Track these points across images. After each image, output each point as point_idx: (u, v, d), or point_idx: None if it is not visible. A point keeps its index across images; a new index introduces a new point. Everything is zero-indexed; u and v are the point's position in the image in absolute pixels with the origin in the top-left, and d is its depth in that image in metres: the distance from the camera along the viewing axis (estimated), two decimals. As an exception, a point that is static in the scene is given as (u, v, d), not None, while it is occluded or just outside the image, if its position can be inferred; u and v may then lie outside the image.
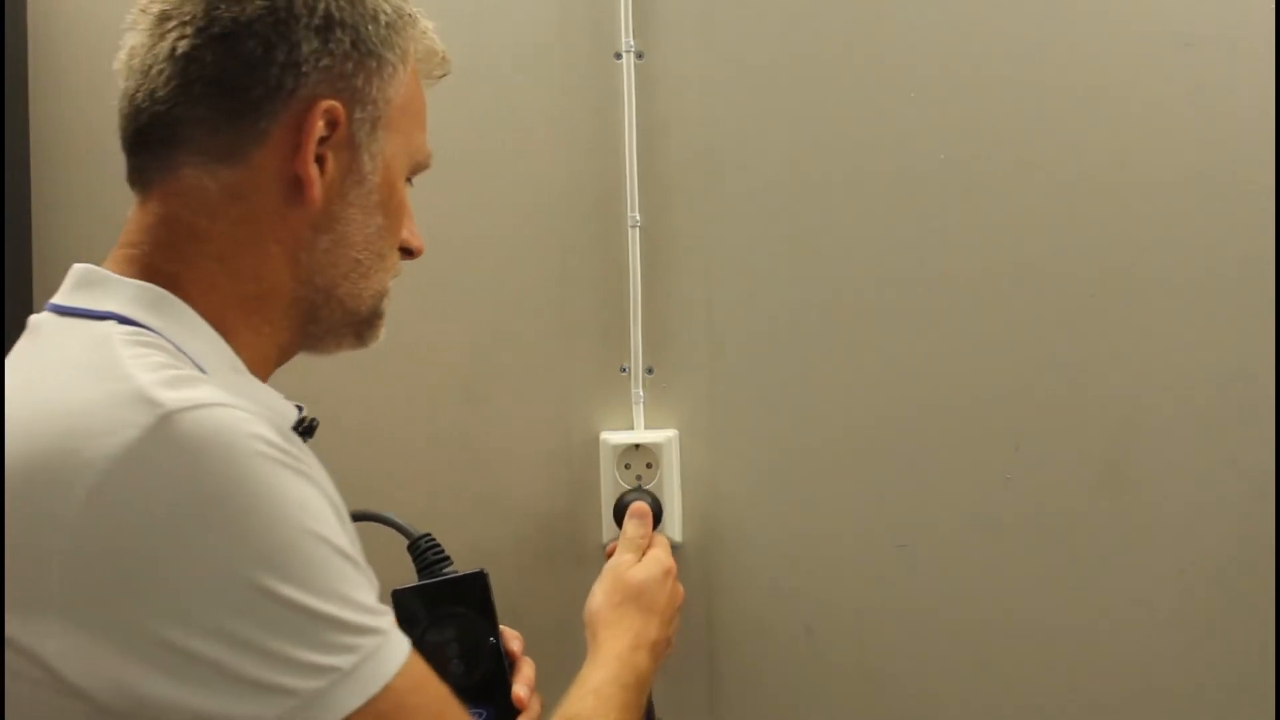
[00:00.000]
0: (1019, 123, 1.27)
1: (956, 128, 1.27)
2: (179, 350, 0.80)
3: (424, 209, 1.34)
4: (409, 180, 0.93)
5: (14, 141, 1.34)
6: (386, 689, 0.73)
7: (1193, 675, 1.24)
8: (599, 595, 1.13)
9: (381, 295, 0.91)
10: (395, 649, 0.75)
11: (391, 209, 0.90)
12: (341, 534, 0.75)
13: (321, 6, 0.84)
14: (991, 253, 1.27)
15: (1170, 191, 1.25)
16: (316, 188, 0.84)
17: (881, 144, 1.29)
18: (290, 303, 0.87)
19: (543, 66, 1.33)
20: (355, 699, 0.71)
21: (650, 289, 1.31)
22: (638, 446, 1.28)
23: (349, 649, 0.72)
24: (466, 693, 0.96)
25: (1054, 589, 1.26)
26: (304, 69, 0.83)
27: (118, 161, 1.38)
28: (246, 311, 0.85)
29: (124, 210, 1.37)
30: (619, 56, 1.31)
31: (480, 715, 1.00)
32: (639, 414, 1.30)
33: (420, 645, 0.92)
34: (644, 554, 1.19)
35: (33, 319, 0.83)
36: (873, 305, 1.29)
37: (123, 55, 0.85)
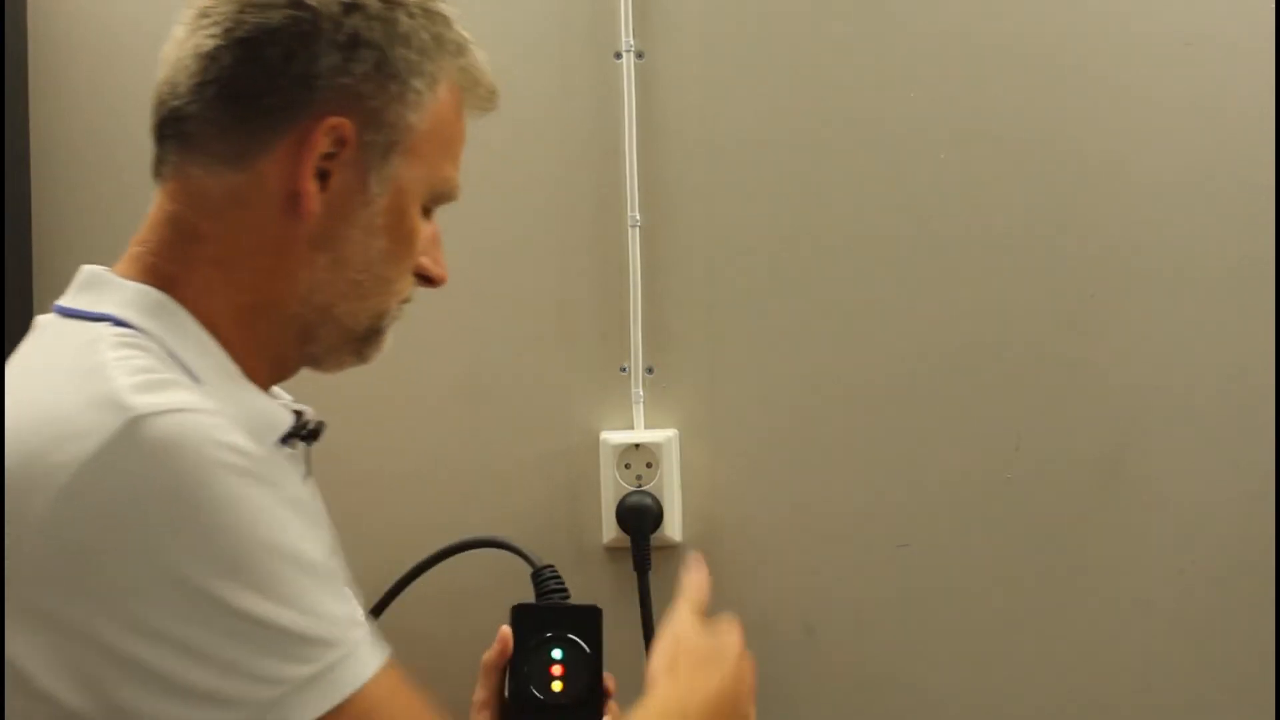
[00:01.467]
0: (1019, 122, 1.27)
1: (956, 127, 1.27)
2: (170, 355, 0.80)
3: (424, 209, 1.34)
4: (429, 211, 0.92)
5: (14, 141, 1.34)
6: (348, 702, 0.72)
7: (1193, 675, 1.24)
8: (658, 655, 1.01)
9: (380, 315, 0.91)
10: (362, 662, 0.74)
11: (400, 235, 0.89)
12: (309, 544, 0.75)
13: (349, 24, 0.84)
14: (992, 252, 1.27)
15: (1170, 191, 1.25)
16: (312, 203, 0.84)
17: (881, 143, 1.29)
18: (287, 318, 0.87)
19: (543, 66, 1.33)
20: (310, 711, 0.71)
21: (650, 289, 1.31)
22: (638, 446, 1.28)
23: (305, 659, 0.71)
24: (559, 710, 1.05)
25: (1054, 589, 1.26)
26: (319, 83, 0.83)
27: (118, 161, 1.38)
28: (241, 322, 0.85)
29: (124, 210, 1.37)
30: (619, 56, 1.31)
31: None
32: (639, 414, 1.30)
33: (530, 656, 1.04)
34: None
35: (38, 319, 0.85)
36: (873, 305, 1.29)
37: (167, 44, 0.86)
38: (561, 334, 1.31)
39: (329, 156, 0.84)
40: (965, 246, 1.27)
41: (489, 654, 1.11)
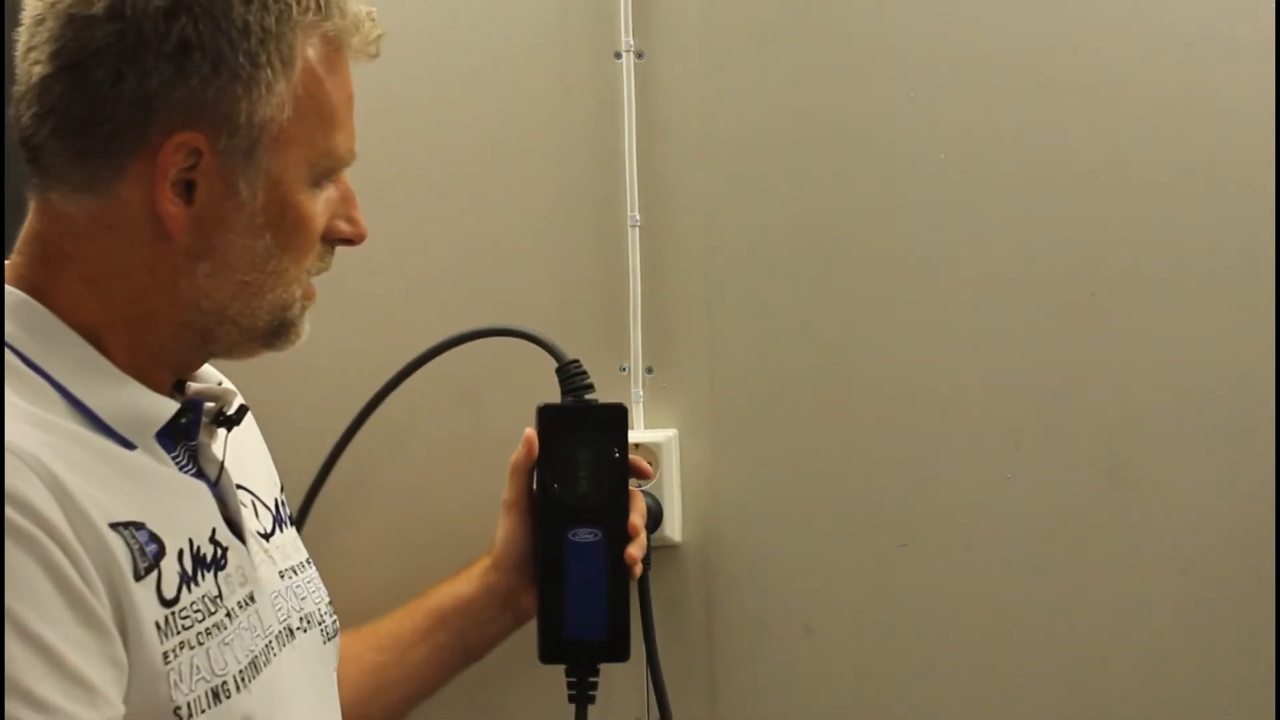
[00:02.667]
0: (1019, 122, 1.27)
1: (956, 127, 1.27)
2: (21, 358, 0.79)
3: (424, 209, 1.34)
4: (328, 179, 0.88)
5: (14, 141, 1.34)
6: None
7: (1193, 675, 1.24)
8: None
9: (284, 308, 0.88)
10: None
11: (287, 225, 0.85)
12: (55, 621, 0.72)
13: (176, 31, 0.79)
14: (992, 252, 1.27)
15: (1170, 191, 1.25)
16: (177, 223, 0.81)
17: (882, 143, 1.29)
18: (178, 326, 0.85)
19: (543, 66, 1.33)
20: None
21: (650, 289, 1.31)
22: (638, 446, 1.28)
23: None
24: (587, 511, 1.11)
25: (1054, 589, 1.26)
26: (154, 103, 0.79)
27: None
28: (121, 331, 0.84)
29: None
30: (619, 56, 1.31)
31: (595, 534, 1.11)
32: (639, 414, 1.30)
33: (556, 458, 1.09)
34: None
35: None
36: (873, 305, 1.29)
37: (18, 43, 0.84)
38: (561, 334, 1.31)
39: (189, 169, 0.81)
40: (965, 246, 1.27)
41: (516, 456, 1.15)
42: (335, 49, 0.86)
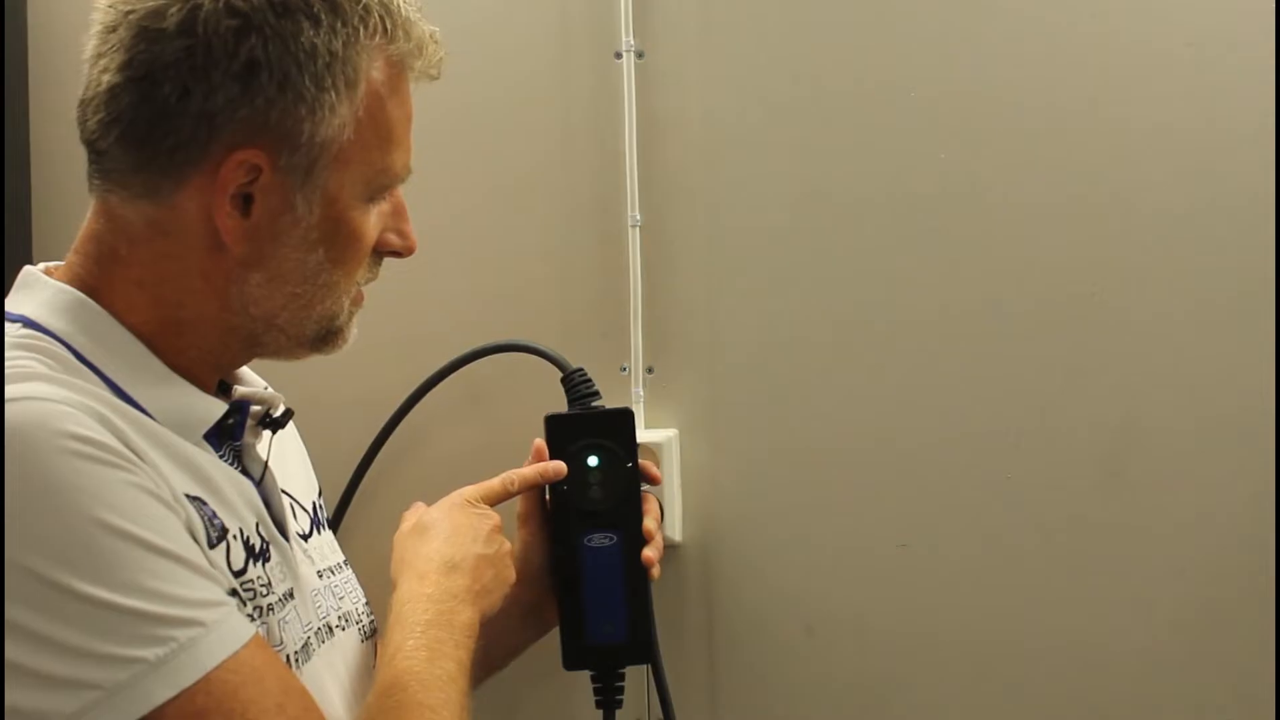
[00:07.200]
0: (1020, 122, 1.27)
1: (957, 127, 1.27)
2: (75, 354, 0.81)
3: (424, 208, 1.34)
4: (382, 195, 0.89)
5: (14, 141, 1.34)
6: (206, 680, 0.72)
7: (1193, 676, 1.24)
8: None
9: (332, 317, 0.89)
10: (220, 641, 0.74)
11: (340, 240, 0.86)
12: (159, 528, 0.74)
13: (245, 50, 0.80)
14: (992, 252, 1.27)
15: (1170, 190, 1.25)
16: (234, 235, 0.83)
17: (882, 143, 1.29)
18: (226, 330, 0.87)
19: (543, 66, 1.33)
20: (166, 690, 0.71)
21: (650, 289, 1.31)
22: (638, 446, 1.28)
23: (157, 640, 0.71)
24: (601, 516, 1.12)
25: (1054, 589, 1.26)
26: (219, 120, 0.80)
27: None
28: (171, 333, 0.85)
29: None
30: (619, 56, 1.31)
31: (610, 539, 1.13)
32: (639, 414, 1.30)
33: (566, 466, 1.10)
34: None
35: None
36: (873, 304, 1.29)
37: (86, 49, 0.85)
38: (562, 334, 1.31)
39: (248, 183, 0.82)
40: (965, 245, 1.27)
41: (525, 470, 1.15)
42: (398, 71, 0.87)
